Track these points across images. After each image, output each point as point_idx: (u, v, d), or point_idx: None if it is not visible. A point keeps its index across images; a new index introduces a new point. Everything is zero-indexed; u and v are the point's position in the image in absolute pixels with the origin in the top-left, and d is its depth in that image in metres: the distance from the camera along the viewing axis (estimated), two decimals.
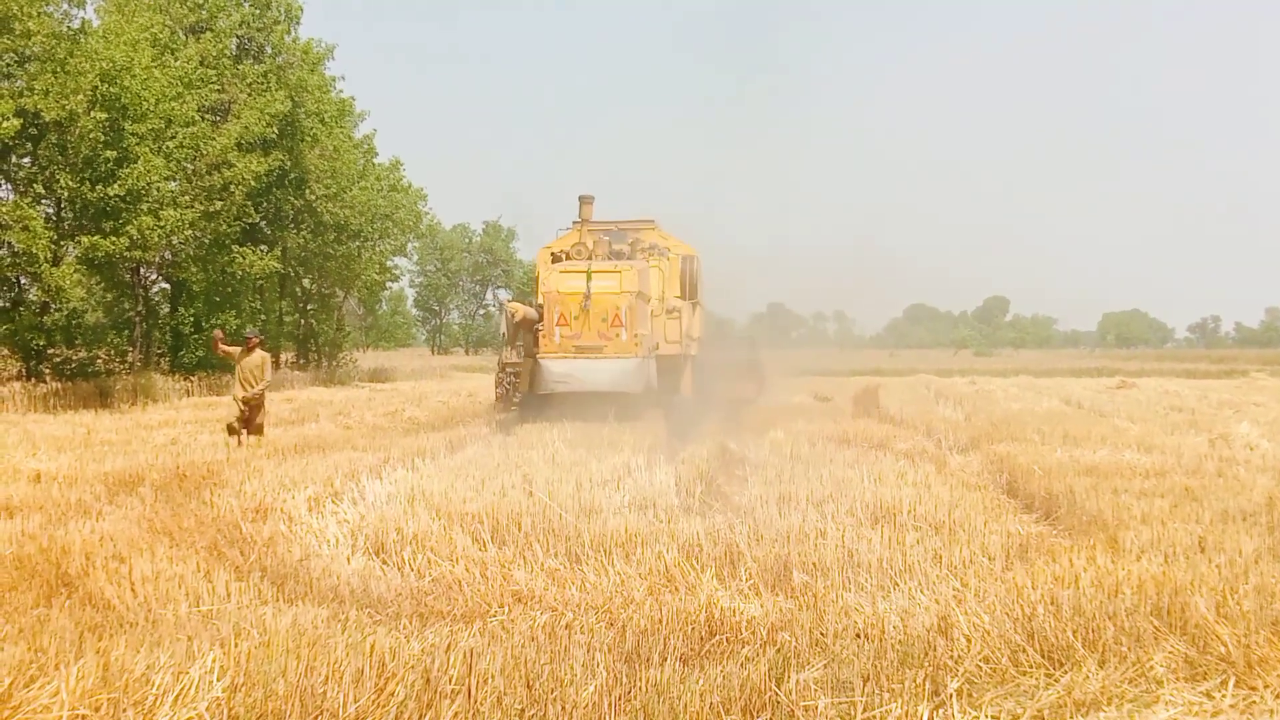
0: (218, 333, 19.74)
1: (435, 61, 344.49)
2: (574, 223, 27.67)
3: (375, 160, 49.30)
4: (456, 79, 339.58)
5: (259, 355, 18.53)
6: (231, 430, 18.05)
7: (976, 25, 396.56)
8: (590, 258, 24.91)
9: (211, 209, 32.94)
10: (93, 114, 27.55)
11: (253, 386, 18.28)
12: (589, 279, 23.35)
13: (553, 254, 26.42)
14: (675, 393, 25.23)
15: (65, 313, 30.73)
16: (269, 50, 40.85)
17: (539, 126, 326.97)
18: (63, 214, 30.10)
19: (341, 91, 45.39)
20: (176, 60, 32.90)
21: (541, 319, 23.90)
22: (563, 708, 5.40)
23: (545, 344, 23.51)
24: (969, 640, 6.23)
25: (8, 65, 27.66)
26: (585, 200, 27.69)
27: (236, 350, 18.78)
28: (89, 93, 27.53)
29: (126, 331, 35.48)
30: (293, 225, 43.40)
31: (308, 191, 42.11)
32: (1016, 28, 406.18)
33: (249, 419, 18.30)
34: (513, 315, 25.01)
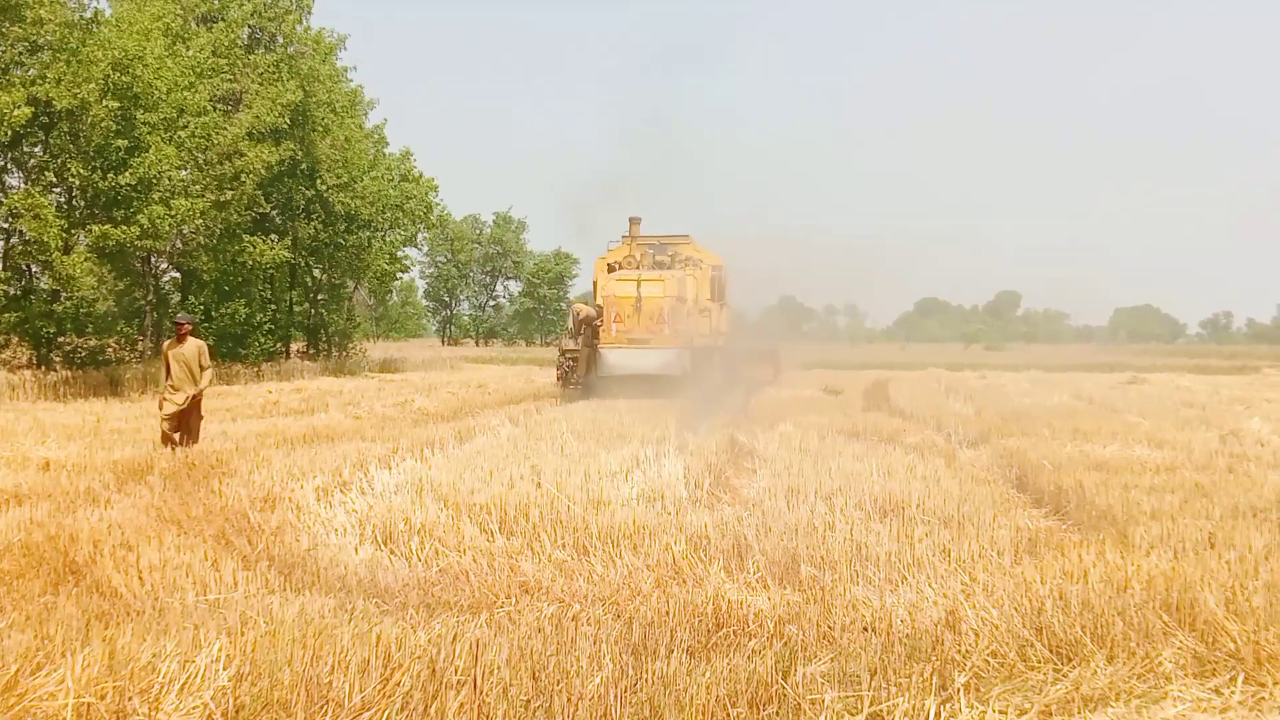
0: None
1: (448, 50, 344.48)
2: (623, 237, 34.19)
3: (386, 150, 49.32)
4: (469, 67, 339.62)
5: (193, 344, 15.51)
6: (167, 439, 15.21)
7: (989, 17, 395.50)
8: (639, 267, 31.89)
9: (222, 198, 32.96)
10: (104, 103, 27.60)
11: (188, 382, 15.34)
12: (639, 285, 29.94)
13: (609, 264, 32.87)
14: (707, 376, 29.98)
15: (76, 301, 30.78)
16: (280, 40, 40.88)
17: (552, 119, 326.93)
18: (74, 202, 30.18)
19: (351, 81, 45.41)
20: (188, 50, 32.93)
21: (600, 317, 30.42)
22: (568, 699, 5.38)
23: (604, 336, 30.01)
24: (977, 635, 6.20)
25: (20, 54, 27.71)
26: (634, 220, 34.42)
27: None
28: (101, 81, 27.58)
29: (137, 320, 35.58)
30: (303, 215, 43.44)
31: (319, 181, 42.15)
32: (1029, 19, 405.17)
33: (182, 422, 15.44)
34: (577, 313, 31.85)
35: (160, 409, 15.57)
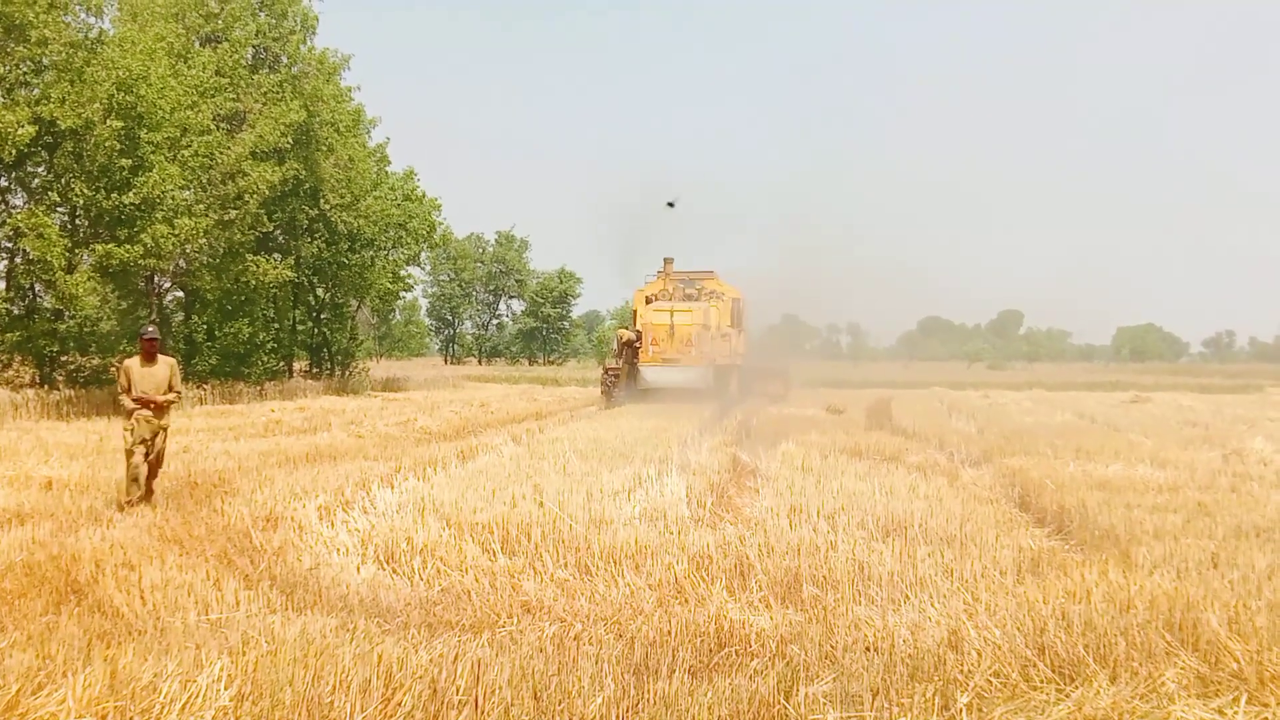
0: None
1: (452, 68, 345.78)
2: (658, 272, 41.90)
3: (389, 169, 49.35)
4: (473, 86, 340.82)
5: (165, 364, 12.64)
6: (135, 487, 12.08)
7: (991, 39, 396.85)
8: (671, 299, 39.22)
9: (226, 218, 32.98)
10: (108, 122, 27.63)
11: (157, 410, 12.39)
12: (673, 315, 37.10)
13: (646, 296, 40.51)
14: (727, 389, 36.81)
15: (79, 320, 30.78)
16: (284, 60, 40.88)
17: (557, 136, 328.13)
18: (77, 222, 30.18)
19: (354, 100, 45.36)
20: (192, 69, 32.97)
21: (640, 340, 37.76)
22: (570, 719, 5.38)
23: (643, 356, 37.16)
24: (979, 654, 6.20)
25: (24, 73, 27.78)
26: (668, 260, 41.93)
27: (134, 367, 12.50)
28: (105, 101, 27.61)
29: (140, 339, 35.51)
30: (307, 234, 43.45)
31: (322, 201, 42.14)
32: (1031, 42, 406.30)
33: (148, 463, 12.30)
34: (620, 337, 40.30)
35: (130, 454, 12.21)
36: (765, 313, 49.21)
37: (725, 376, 37.87)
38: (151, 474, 12.40)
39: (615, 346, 40.55)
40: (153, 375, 12.46)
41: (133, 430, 12.22)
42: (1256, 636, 6.14)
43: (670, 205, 39.49)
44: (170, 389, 12.59)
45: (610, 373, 38.27)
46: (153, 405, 12.34)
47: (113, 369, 31.99)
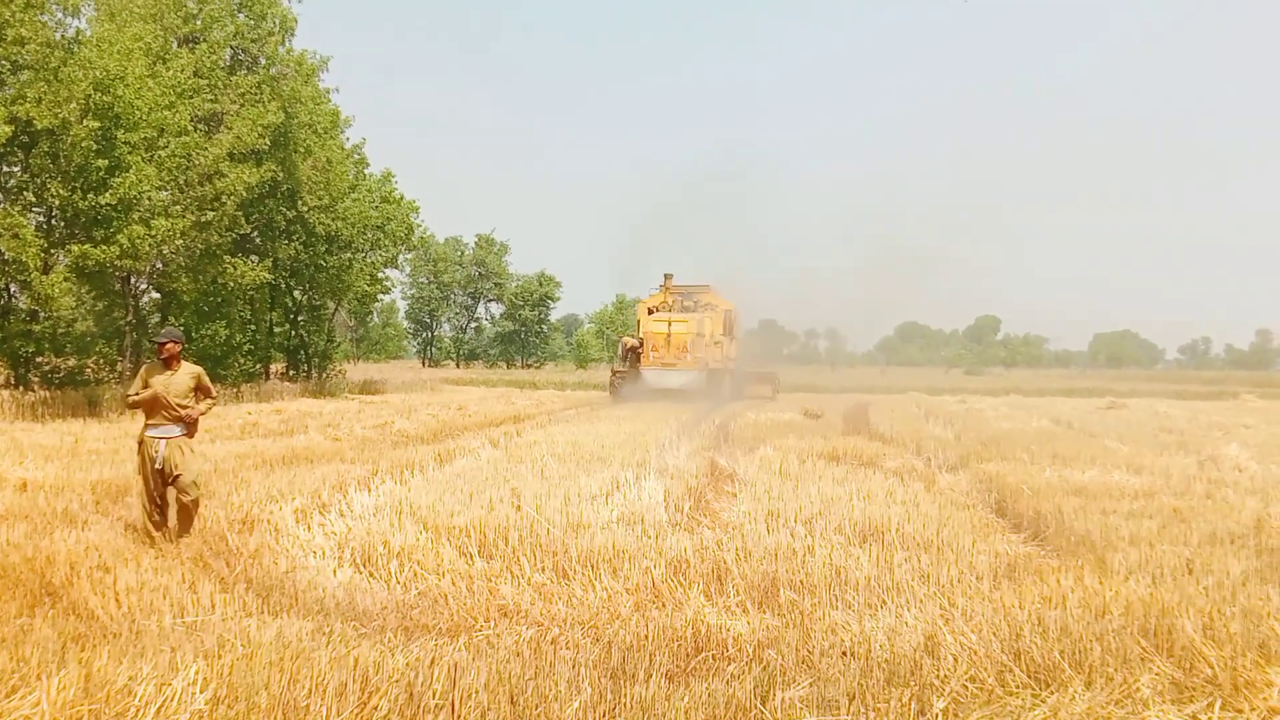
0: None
1: (433, 68, 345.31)
2: (661, 286, 47.90)
3: (366, 171, 49.22)
4: (454, 95, 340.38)
5: (188, 371, 10.76)
6: (155, 519, 10.40)
7: (966, 46, 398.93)
8: (670, 310, 45.13)
9: (203, 219, 32.78)
10: (85, 122, 27.45)
11: (178, 423, 10.60)
12: (670, 325, 42.60)
13: (649, 308, 46.88)
14: (718, 390, 41.80)
15: (54, 321, 30.58)
16: (263, 61, 40.70)
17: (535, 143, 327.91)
18: (53, 222, 29.96)
19: (332, 102, 45.16)
20: (169, 70, 32.81)
21: (642, 346, 43.45)
22: None
23: (645, 361, 42.76)
24: (956, 660, 6.21)
25: (0, 73, 27.59)
26: (668, 276, 48.17)
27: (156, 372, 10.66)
28: (81, 101, 27.44)
29: (116, 340, 35.33)
30: (284, 236, 43.31)
31: (300, 202, 42.02)
32: (1006, 49, 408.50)
33: (170, 489, 10.51)
34: (625, 344, 46.10)
35: (143, 478, 10.53)
36: (757, 320, 56.62)
37: (718, 379, 43.10)
38: (181, 510, 10.51)
39: (621, 352, 46.88)
40: (171, 384, 10.56)
41: (146, 455, 10.54)
42: (1231, 642, 6.17)
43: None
44: (200, 397, 10.82)
45: (619, 375, 44.59)
46: (166, 408, 10.51)
47: (90, 369, 31.85)
